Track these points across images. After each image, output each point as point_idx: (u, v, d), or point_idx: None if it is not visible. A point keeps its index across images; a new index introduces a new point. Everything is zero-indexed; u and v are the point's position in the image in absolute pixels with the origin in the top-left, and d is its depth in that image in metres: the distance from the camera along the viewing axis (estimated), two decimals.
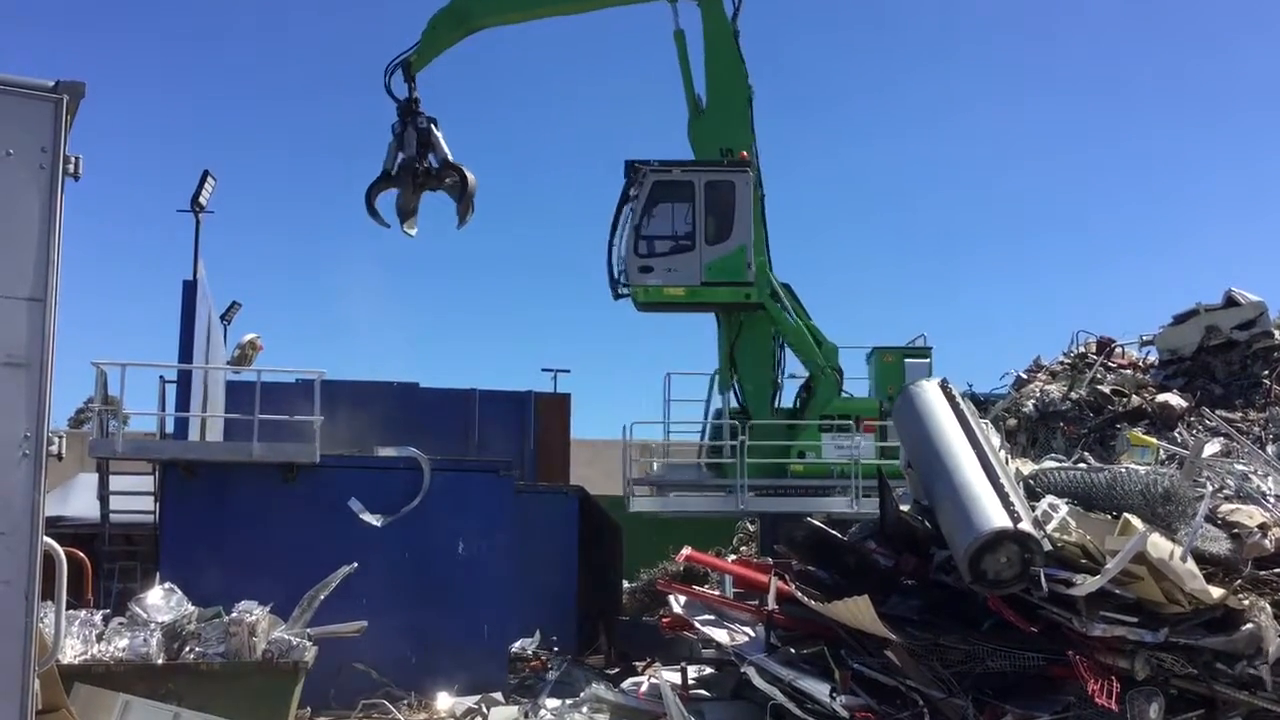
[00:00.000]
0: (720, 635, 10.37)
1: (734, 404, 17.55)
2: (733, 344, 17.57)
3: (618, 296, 17.52)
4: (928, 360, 18.01)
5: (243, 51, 70.52)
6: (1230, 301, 19.57)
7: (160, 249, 65.90)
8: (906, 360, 18.04)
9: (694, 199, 17.30)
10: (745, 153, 17.65)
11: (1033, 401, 19.32)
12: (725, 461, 16.84)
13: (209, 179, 19.12)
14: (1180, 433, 16.25)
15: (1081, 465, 11.08)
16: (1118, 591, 8.50)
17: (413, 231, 16.70)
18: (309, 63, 72.69)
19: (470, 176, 16.33)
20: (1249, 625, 8.50)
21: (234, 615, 9.57)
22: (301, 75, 71.89)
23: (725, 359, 17.66)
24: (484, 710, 12.54)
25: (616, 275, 17.39)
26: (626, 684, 12.37)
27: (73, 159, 4.72)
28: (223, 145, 66.93)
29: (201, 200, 18.93)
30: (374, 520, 14.38)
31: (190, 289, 15.99)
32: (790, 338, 17.74)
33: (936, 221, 74.45)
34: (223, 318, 23.42)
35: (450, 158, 16.43)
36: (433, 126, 16.41)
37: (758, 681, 9.00)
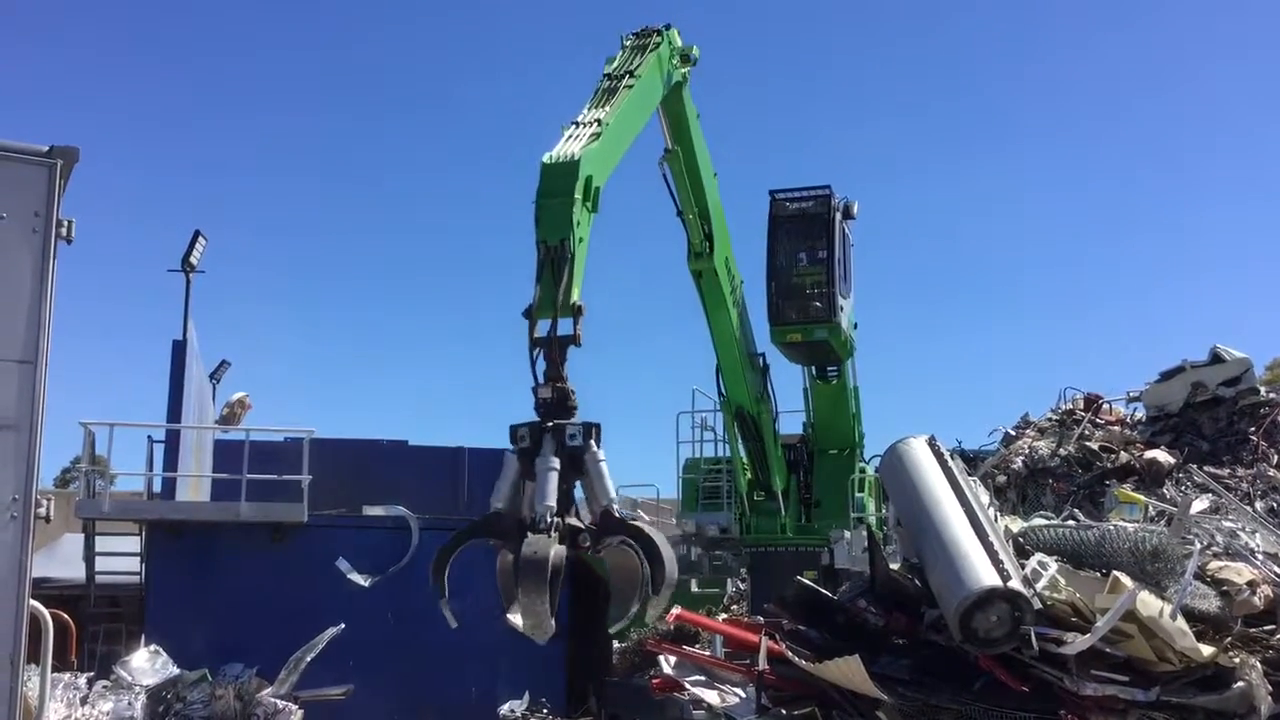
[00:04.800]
0: (711, 696, 10.28)
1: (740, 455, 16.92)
2: (771, 397, 16.65)
3: (780, 324, 16.25)
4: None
5: (242, 114, 71.18)
6: (1216, 358, 19.62)
7: (150, 307, 65.93)
8: None
9: (844, 245, 16.53)
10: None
11: (1021, 458, 19.30)
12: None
13: (200, 238, 19.18)
14: (1168, 489, 16.25)
15: (1070, 522, 11.05)
16: (1109, 650, 8.47)
17: (543, 638, 7.61)
18: (305, 122, 73.37)
19: (663, 550, 7.49)
20: (1240, 683, 8.46)
21: (220, 678, 9.51)
22: (299, 128, 72.55)
23: (744, 414, 16.32)
24: None
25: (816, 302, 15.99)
26: None
27: (65, 223, 4.75)
28: (215, 203, 67.32)
29: (192, 260, 18.98)
30: (362, 580, 14.29)
31: (180, 349, 16.03)
32: (854, 398, 17.27)
33: (924, 277, 75.00)
34: (212, 376, 23.40)
35: (616, 501, 7.86)
36: (593, 441, 7.85)
37: None
